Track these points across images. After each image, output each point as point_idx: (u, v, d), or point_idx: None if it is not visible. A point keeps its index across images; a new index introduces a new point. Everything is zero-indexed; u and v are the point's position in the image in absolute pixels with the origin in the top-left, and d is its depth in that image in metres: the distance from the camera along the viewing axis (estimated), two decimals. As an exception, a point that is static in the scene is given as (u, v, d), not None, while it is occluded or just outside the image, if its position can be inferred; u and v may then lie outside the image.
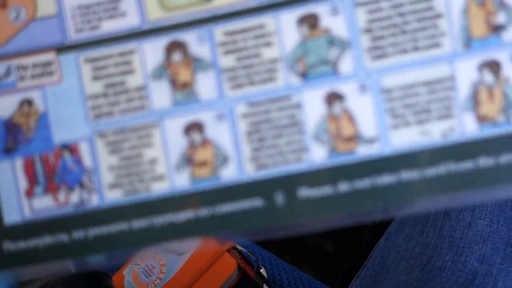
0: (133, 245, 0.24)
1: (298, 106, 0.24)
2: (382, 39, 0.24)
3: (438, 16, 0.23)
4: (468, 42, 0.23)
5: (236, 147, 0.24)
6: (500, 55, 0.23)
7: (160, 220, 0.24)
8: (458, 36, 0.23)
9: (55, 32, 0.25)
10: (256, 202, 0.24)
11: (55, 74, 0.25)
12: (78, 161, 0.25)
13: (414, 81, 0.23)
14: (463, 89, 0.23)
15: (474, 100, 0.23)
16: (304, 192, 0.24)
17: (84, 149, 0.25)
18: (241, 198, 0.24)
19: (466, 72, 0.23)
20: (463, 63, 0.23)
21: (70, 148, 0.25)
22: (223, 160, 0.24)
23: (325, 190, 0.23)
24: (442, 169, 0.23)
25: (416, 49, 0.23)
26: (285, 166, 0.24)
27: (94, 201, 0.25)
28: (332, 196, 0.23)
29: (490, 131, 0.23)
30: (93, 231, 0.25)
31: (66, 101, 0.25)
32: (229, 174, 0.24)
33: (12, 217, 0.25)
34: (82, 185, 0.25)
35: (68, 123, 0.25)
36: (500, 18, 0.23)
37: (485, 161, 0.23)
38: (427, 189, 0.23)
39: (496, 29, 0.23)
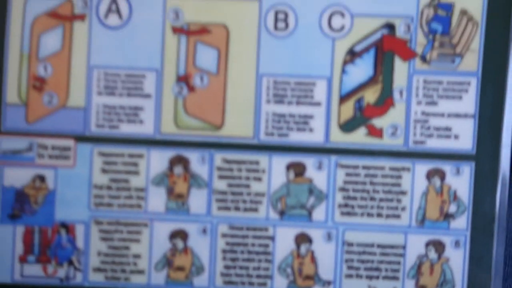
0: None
1: (272, 238, 0.28)
2: (354, 200, 0.28)
3: (402, 193, 0.28)
4: (423, 220, 0.28)
5: (212, 261, 0.28)
6: (446, 238, 0.27)
7: None
8: (415, 214, 0.28)
9: (79, 122, 0.29)
10: None
11: (70, 159, 0.29)
12: (72, 240, 0.28)
13: (373, 242, 0.28)
14: (411, 259, 0.28)
15: (418, 271, 0.28)
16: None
17: (79, 231, 0.28)
18: None
19: (416, 245, 0.27)
20: (415, 237, 0.28)
21: (68, 227, 0.28)
22: (199, 269, 0.28)
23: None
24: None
25: (380, 215, 0.28)
26: (249, 287, 0.28)
27: (78, 278, 0.28)
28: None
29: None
30: None
31: (74, 185, 0.29)
32: (201, 283, 0.28)
33: (2, 277, 0.28)
34: (70, 263, 0.28)
35: (71, 205, 0.29)
36: (452, 208, 0.27)
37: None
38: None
39: (447, 216, 0.27)
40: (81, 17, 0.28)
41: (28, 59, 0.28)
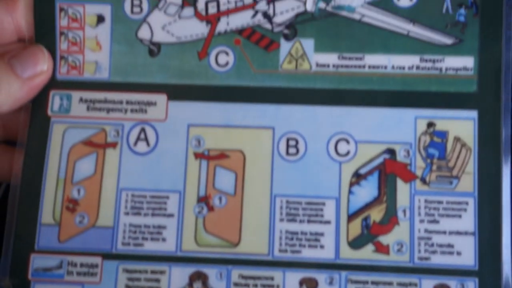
0: None
1: None
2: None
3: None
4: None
5: None
6: None
7: None
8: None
9: (107, 241, 0.31)
10: None
11: (97, 276, 0.31)
12: None
13: None
14: None
15: None
16: None
17: None
18: None
19: None
20: None
21: None
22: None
23: None
24: None
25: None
26: None
27: None
28: None
29: None
30: None
31: (100, 301, 0.30)
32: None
33: None
34: None
35: (96, 320, 0.30)
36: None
37: None
38: None
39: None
40: (113, 145, 0.32)
41: (63, 183, 0.31)
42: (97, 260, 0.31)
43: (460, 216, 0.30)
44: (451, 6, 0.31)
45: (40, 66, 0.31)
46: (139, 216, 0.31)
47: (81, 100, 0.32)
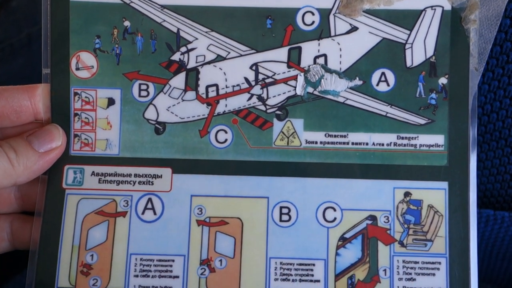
0: None
1: None
2: None
3: None
4: None
5: None
6: None
7: None
8: None
9: (118, 301, 0.35)
10: None
11: (109, 332, 0.35)
12: None
13: None
14: None
15: None
16: None
17: None
18: None
19: None
20: None
21: None
22: None
23: None
24: None
25: None
26: None
27: None
28: None
29: None
30: None
31: None
32: None
33: None
34: None
35: None
36: None
37: None
38: None
39: None
40: (123, 214, 0.36)
41: (78, 249, 0.35)
42: (108, 320, 0.35)
43: (434, 275, 0.35)
44: (423, 90, 0.36)
45: (55, 142, 0.35)
46: (147, 278, 0.35)
47: (93, 173, 0.36)
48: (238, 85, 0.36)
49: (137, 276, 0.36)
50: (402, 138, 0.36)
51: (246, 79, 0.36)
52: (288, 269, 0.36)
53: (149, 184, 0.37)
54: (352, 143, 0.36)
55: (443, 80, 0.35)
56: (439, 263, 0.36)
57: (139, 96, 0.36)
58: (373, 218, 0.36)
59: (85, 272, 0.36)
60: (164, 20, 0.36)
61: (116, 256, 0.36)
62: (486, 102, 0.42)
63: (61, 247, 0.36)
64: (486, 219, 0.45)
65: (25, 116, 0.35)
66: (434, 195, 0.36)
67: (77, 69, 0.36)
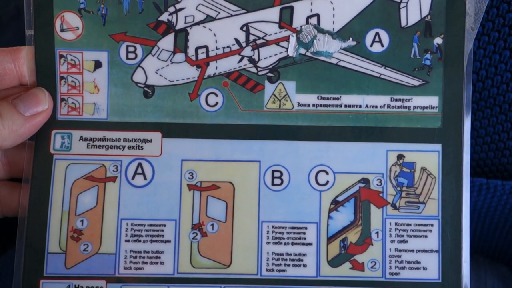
0: None
1: None
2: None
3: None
4: None
5: None
6: None
7: None
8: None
9: (109, 266, 0.35)
10: None
11: (102, 298, 0.35)
12: None
13: None
14: None
15: None
16: None
17: None
18: None
19: None
20: None
21: None
22: None
23: None
24: None
25: None
26: None
27: None
28: None
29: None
30: None
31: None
32: None
33: None
34: None
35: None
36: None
37: None
38: None
39: None
40: (113, 179, 0.35)
41: (67, 215, 0.35)
42: (102, 283, 0.35)
43: (426, 237, 0.35)
44: (418, 51, 0.35)
45: (42, 106, 0.34)
46: (138, 243, 0.35)
47: (81, 138, 0.36)
48: (228, 46, 0.35)
49: (128, 241, 0.36)
50: (396, 100, 0.35)
51: (237, 40, 0.35)
52: (280, 233, 0.36)
53: (138, 149, 0.36)
54: (345, 106, 0.35)
55: (438, 40, 0.35)
56: (432, 225, 0.36)
57: (127, 58, 0.35)
58: (365, 181, 0.36)
59: (76, 238, 0.36)
60: None
61: (107, 221, 0.36)
62: (481, 68, 0.42)
63: (50, 213, 0.36)
64: (479, 188, 0.45)
65: (9, 79, 0.35)
66: (427, 157, 0.36)
67: (62, 30, 0.35)
